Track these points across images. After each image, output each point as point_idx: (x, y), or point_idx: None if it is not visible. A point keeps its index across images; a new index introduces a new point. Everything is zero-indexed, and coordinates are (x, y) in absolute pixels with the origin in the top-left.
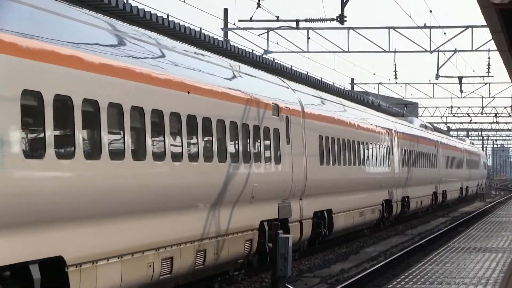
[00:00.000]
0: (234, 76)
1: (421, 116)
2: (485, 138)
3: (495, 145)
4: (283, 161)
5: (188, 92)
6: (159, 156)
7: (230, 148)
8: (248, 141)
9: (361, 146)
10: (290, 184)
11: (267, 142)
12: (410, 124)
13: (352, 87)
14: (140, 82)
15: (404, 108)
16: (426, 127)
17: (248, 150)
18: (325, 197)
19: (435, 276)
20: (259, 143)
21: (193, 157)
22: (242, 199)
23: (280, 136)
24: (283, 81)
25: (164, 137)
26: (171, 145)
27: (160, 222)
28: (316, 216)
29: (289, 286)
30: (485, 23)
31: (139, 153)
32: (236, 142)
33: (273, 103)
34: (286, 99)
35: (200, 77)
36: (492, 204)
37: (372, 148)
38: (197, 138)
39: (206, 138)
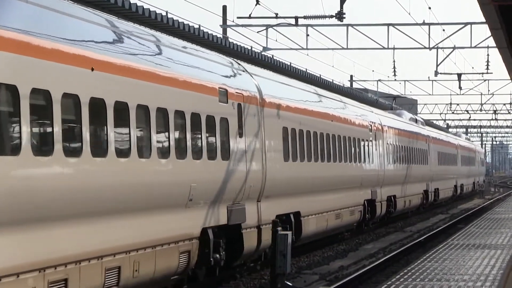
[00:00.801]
0: (160, 52)
1: (420, 113)
2: (484, 135)
3: (494, 142)
4: (234, 156)
5: (92, 69)
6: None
7: (156, 141)
8: (183, 133)
9: (337, 140)
10: (243, 183)
11: (210, 133)
12: (398, 117)
13: (351, 84)
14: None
15: (392, 101)
16: (416, 121)
17: (183, 144)
18: (291, 198)
19: (434, 273)
20: (198, 135)
21: (99, 152)
22: (174, 203)
23: (229, 127)
24: (238, 63)
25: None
26: (65, 137)
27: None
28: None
29: (288, 283)
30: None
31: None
32: (166, 133)
33: (220, 88)
34: (239, 84)
35: (111, 52)
36: (491, 201)
37: (351, 143)
38: (105, 128)
39: (120, 129)
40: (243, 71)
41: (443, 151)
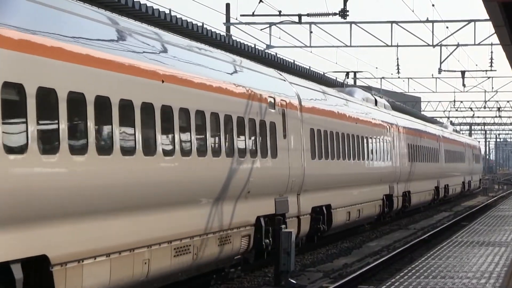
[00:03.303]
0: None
1: (423, 111)
2: (488, 132)
3: (498, 139)
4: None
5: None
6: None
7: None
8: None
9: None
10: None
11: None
12: (346, 96)
13: (355, 82)
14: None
15: (345, 76)
16: (376, 102)
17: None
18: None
19: (438, 270)
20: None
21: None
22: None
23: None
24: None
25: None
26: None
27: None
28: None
29: (292, 280)
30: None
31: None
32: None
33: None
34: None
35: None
36: (495, 198)
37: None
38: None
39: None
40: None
41: (416, 143)
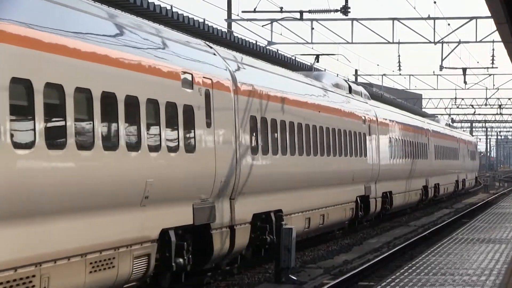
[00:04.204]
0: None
1: (425, 108)
2: (489, 129)
3: (499, 137)
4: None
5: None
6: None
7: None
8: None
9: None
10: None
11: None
12: (309, 80)
13: (356, 78)
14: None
15: (314, 60)
16: (350, 89)
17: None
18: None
19: (438, 267)
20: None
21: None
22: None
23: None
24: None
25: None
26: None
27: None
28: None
29: (292, 277)
30: (489, 14)
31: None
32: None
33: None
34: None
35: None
36: (496, 195)
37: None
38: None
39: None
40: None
41: (402, 137)
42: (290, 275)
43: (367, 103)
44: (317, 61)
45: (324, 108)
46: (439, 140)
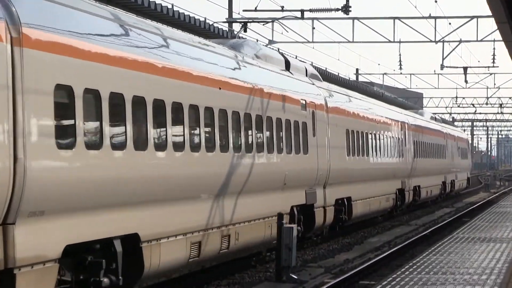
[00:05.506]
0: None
1: (425, 107)
2: (490, 128)
3: (500, 136)
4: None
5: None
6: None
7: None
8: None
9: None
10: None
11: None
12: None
13: (357, 77)
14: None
15: (240, 29)
16: (288, 65)
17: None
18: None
19: (439, 266)
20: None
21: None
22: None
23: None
24: (309, 79)
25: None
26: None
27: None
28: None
29: (293, 275)
30: (490, 13)
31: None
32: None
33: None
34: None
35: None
36: (497, 194)
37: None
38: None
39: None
40: (312, 84)
41: (364, 130)
42: (291, 274)
43: (313, 84)
44: (245, 31)
45: (226, 84)
46: (421, 136)
